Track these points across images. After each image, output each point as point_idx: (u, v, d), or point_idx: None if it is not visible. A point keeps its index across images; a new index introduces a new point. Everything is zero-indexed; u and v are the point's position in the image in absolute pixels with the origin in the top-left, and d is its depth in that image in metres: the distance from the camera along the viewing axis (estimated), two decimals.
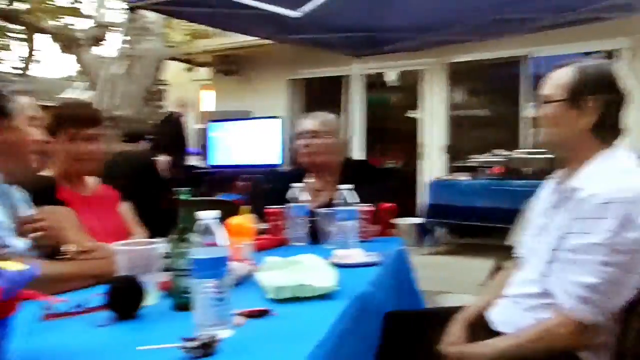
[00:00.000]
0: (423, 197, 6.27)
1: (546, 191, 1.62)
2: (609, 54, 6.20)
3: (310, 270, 1.42)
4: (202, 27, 7.90)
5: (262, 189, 3.72)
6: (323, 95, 8.25)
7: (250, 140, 7.53)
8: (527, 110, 1.65)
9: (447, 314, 1.67)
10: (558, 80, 1.51)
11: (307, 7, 3.01)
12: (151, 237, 2.60)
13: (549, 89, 1.52)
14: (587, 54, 6.43)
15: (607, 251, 1.30)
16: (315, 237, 2.10)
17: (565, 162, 1.56)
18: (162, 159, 5.90)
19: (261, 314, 1.19)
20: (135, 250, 1.33)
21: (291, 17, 3.14)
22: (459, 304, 1.78)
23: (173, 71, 8.82)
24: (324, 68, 7.35)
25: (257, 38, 5.81)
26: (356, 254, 1.74)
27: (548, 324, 1.39)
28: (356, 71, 5.38)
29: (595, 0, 3.83)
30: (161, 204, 5.09)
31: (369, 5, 4.22)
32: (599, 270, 1.31)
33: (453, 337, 1.58)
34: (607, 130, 1.46)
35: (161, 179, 5.36)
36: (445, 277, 4.67)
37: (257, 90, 8.14)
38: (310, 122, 2.51)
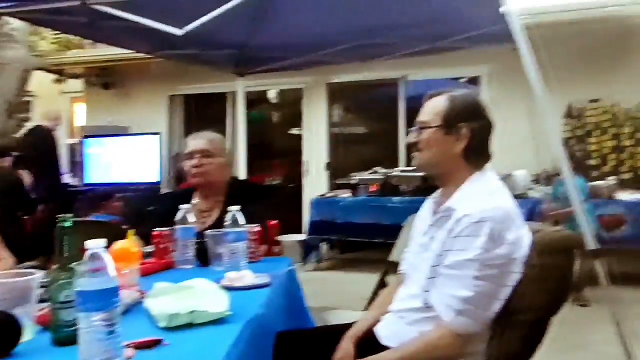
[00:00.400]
0: (307, 214, 6.38)
1: (426, 211, 1.73)
2: (473, 80, 6.78)
3: (202, 296, 1.40)
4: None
5: (145, 211, 3.56)
6: (204, 112, 8.13)
7: (128, 157, 7.22)
8: (408, 136, 1.77)
9: (337, 331, 1.72)
10: (434, 108, 1.63)
11: (190, 27, 2.96)
12: (18, 262, 2.41)
13: (426, 116, 1.63)
14: (455, 79, 7.02)
15: (480, 266, 1.42)
16: (204, 260, 2.06)
17: (442, 183, 1.68)
18: (28, 177, 5.46)
19: (153, 344, 1.15)
20: (9, 283, 1.22)
21: (174, 34, 3.07)
22: (346, 320, 1.84)
23: (41, 82, 8.19)
24: (206, 84, 7.25)
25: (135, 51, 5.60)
26: (247, 276, 1.73)
27: (430, 336, 1.48)
28: (240, 88, 5.38)
29: (463, 31, 4.19)
30: (28, 226, 4.71)
31: (251, 25, 4.26)
32: (473, 284, 1.43)
33: (343, 354, 1.63)
34: (477, 154, 1.60)
35: (27, 199, 4.96)
36: (330, 293, 4.79)
37: (136, 105, 7.82)
38: (201, 141, 2.47)
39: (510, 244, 1.44)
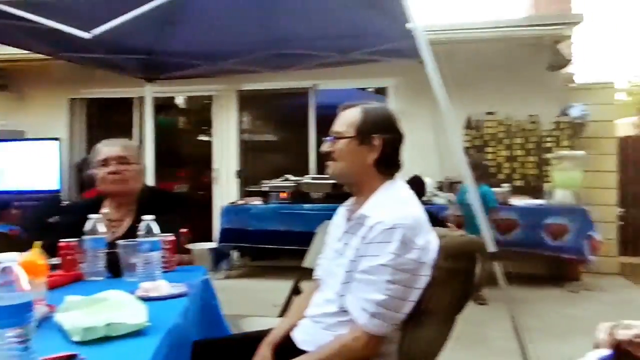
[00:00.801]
0: (217, 222, 6.31)
1: (340, 218, 1.79)
2: (380, 90, 7.04)
3: (118, 307, 1.37)
4: None
5: (46, 221, 3.37)
6: (109, 117, 7.81)
7: (24, 163, 6.77)
8: (322, 145, 1.83)
9: (254, 338, 1.74)
10: (348, 119, 1.69)
11: (99, 30, 2.85)
12: None
13: (340, 127, 1.70)
14: (363, 89, 7.25)
15: (392, 271, 1.50)
16: (116, 271, 2.00)
17: (355, 191, 1.75)
18: None
19: (67, 359, 1.12)
20: None
21: (80, 37, 2.94)
22: (260, 327, 1.86)
23: None
24: (111, 88, 6.96)
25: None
26: (163, 286, 1.71)
27: (345, 339, 1.54)
28: (148, 94, 5.24)
29: (371, 44, 4.35)
30: None
31: (161, 30, 4.18)
32: (386, 288, 1.50)
33: None
34: (388, 164, 1.68)
35: None
36: (243, 300, 4.77)
37: (33, 108, 7.36)
38: (116, 147, 2.39)
39: (419, 248, 1.53)
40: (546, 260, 5.77)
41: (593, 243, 5.22)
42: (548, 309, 4.73)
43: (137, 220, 1.99)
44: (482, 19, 6.22)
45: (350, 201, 1.79)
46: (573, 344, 3.59)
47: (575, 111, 6.05)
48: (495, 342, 3.75)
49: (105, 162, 2.35)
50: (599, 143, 6.22)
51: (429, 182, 5.63)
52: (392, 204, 1.59)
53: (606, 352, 0.91)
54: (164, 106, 7.91)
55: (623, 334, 0.96)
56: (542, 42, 5.95)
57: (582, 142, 6.10)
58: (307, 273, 2.27)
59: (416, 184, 4.94)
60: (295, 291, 2.89)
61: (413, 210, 1.59)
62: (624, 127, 10.27)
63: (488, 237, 2.66)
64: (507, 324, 2.92)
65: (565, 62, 6.07)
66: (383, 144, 1.64)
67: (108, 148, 2.39)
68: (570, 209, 5.34)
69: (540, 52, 6.01)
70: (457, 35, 5.94)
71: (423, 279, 1.56)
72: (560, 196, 5.49)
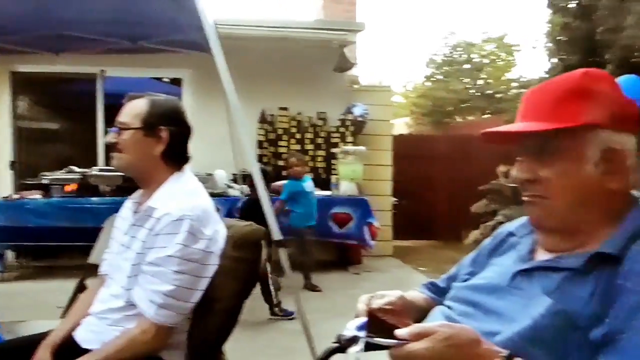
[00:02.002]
0: None
1: (126, 210, 1.75)
2: (175, 81, 6.90)
3: None
4: None
5: None
6: None
7: None
8: (106, 136, 1.75)
9: (31, 342, 1.62)
10: (134, 109, 1.66)
11: None
12: None
13: (126, 117, 1.65)
14: (157, 78, 7.04)
15: (180, 261, 1.52)
16: None
17: (142, 184, 1.72)
18: None
19: None
20: None
21: None
22: (40, 330, 1.73)
23: None
24: None
25: None
26: None
27: (132, 332, 1.52)
28: None
29: (164, 34, 4.25)
30: None
31: None
32: (173, 278, 1.52)
33: None
34: (176, 156, 1.69)
35: None
36: (22, 305, 4.32)
37: None
38: None
39: (207, 239, 1.58)
40: (333, 246, 6.27)
41: (372, 229, 5.84)
42: (335, 290, 5.15)
43: None
44: (275, 18, 6.48)
45: (137, 193, 1.76)
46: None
47: (357, 110, 6.66)
48: (284, 325, 3.97)
49: None
50: (377, 140, 6.94)
51: (223, 175, 5.69)
52: (179, 196, 1.60)
53: (362, 320, 1.06)
54: None
55: (376, 303, 1.12)
56: (329, 45, 6.42)
57: (363, 138, 6.75)
58: (94, 270, 2.16)
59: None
60: (81, 289, 2.72)
61: (201, 201, 1.63)
62: (399, 126, 11.59)
63: (275, 226, 2.79)
64: (295, 308, 3.13)
65: (350, 65, 6.63)
66: (170, 136, 1.64)
67: None
68: (353, 199, 5.89)
69: (328, 54, 6.47)
70: (252, 32, 6.10)
71: (211, 268, 1.61)
72: (345, 188, 6.01)
